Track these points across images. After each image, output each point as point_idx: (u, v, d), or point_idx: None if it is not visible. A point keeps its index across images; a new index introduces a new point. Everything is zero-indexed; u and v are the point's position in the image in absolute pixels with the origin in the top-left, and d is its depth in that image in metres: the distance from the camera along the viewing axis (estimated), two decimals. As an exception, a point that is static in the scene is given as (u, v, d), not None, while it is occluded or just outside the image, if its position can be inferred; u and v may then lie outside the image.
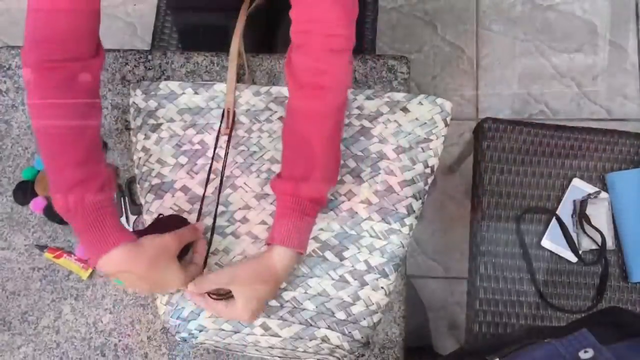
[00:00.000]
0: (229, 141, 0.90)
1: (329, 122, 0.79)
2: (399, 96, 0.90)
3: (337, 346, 0.82)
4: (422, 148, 0.87)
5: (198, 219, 0.88)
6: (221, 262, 0.87)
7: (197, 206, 0.89)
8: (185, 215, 0.89)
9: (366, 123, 0.89)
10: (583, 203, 1.19)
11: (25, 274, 0.98)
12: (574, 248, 1.19)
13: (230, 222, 0.88)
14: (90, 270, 0.96)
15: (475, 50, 1.88)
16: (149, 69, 1.03)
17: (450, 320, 1.72)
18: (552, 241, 1.20)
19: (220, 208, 0.88)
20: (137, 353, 0.95)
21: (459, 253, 1.75)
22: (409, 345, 0.98)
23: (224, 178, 0.89)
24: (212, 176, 0.90)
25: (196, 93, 0.93)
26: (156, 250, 0.76)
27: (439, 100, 0.89)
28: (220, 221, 0.88)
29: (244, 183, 0.89)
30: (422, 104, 0.88)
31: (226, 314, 0.79)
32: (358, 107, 0.90)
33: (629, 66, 1.85)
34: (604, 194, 1.21)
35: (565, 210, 1.21)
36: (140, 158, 0.92)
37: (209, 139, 0.91)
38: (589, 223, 1.18)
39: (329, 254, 0.85)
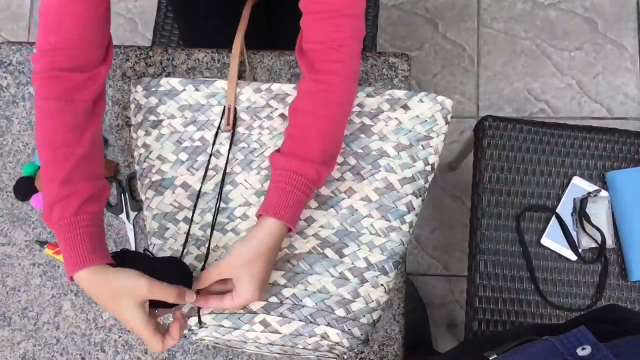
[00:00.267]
0: (232, 138, 0.91)
1: (336, 108, 0.81)
2: (400, 94, 0.90)
3: (337, 343, 0.82)
4: (422, 146, 0.87)
5: (192, 215, 0.88)
6: (221, 259, 0.87)
7: (197, 202, 0.89)
8: (185, 212, 0.89)
9: (367, 120, 0.89)
10: (583, 201, 1.19)
11: (26, 270, 0.98)
12: (573, 246, 1.19)
13: (231, 219, 0.88)
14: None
15: (476, 48, 1.88)
16: (150, 65, 1.03)
17: (450, 317, 1.72)
18: (551, 239, 1.20)
19: (221, 205, 0.89)
20: (136, 349, 0.96)
21: (459, 251, 1.75)
22: (408, 343, 0.98)
23: (226, 175, 0.89)
24: (212, 173, 0.90)
25: (197, 90, 0.94)
26: (120, 288, 0.73)
27: (440, 98, 0.89)
28: (221, 218, 0.88)
29: (244, 180, 0.89)
30: (422, 102, 0.88)
31: (236, 303, 0.78)
32: (359, 105, 0.90)
33: (629, 65, 1.85)
34: (604, 193, 1.21)
35: (565, 208, 1.21)
36: (140, 154, 0.93)
37: (210, 135, 0.92)
38: (589, 221, 1.18)
39: (329, 251, 0.85)
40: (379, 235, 0.85)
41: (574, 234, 1.20)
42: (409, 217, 0.86)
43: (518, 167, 1.23)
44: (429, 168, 0.88)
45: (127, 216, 0.98)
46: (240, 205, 0.89)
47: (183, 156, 0.91)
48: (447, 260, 1.76)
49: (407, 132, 0.88)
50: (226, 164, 0.89)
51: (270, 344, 0.83)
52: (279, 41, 1.18)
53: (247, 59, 1.00)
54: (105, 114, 1.01)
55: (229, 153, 0.90)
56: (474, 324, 1.18)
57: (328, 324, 0.82)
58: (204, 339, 0.86)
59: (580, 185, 1.21)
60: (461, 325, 1.54)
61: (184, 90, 0.94)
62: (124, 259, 0.77)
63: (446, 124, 0.89)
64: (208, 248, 0.86)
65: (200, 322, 0.83)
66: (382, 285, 0.84)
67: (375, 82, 1.00)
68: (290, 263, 0.85)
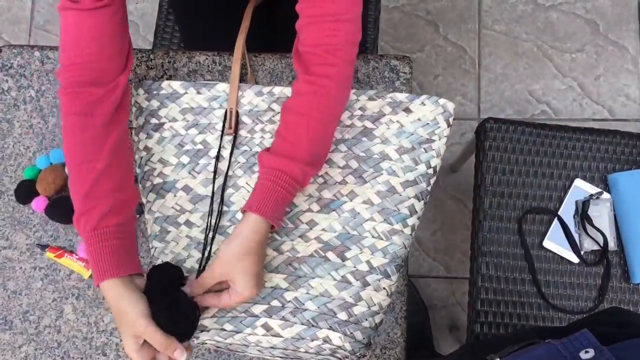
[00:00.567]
0: (234, 141, 0.91)
1: (327, 110, 0.82)
2: (402, 97, 0.89)
3: (339, 347, 0.82)
4: (424, 149, 0.87)
5: (209, 218, 0.88)
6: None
7: (198, 206, 0.89)
8: (186, 215, 0.89)
9: (368, 124, 0.89)
10: (585, 204, 1.19)
11: (27, 273, 0.98)
12: (575, 249, 1.19)
13: (232, 222, 0.88)
14: (91, 270, 0.96)
15: (477, 50, 1.88)
16: (151, 68, 1.03)
17: (452, 320, 1.72)
18: (553, 242, 1.20)
19: (223, 208, 0.88)
20: (138, 352, 0.95)
21: (461, 253, 1.75)
22: (410, 345, 0.98)
23: (228, 178, 0.89)
24: (215, 175, 0.90)
25: (198, 93, 0.93)
26: (124, 313, 0.76)
27: (442, 101, 0.88)
28: (223, 221, 0.88)
29: (246, 183, 0.89)
30: (424, 105, 0.88)
31: (234, 301, 0.78)
32: (360, 108, 0.90)
33: (631, 66, 1.85)
34: (606, 195, 1.21)
35: (567, 210, 1.21)
36: (142, 157, 0.92)
37: (211, 138, 0.91)
38: (591, 224, 1.18)
39: (331, 255, 0.85)
40: (381, 239, 0.84)
41: (576, 236, 1.19)
42: (411, 220, 0.85)
43: (520, 169, 1.23)
44: (431, 171, 0.87)
45: (129, 219, 0.98)
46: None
47: (185, 159, 0.91)
48: (448, 263, 1.76)
49: (409, 135, 0.88)
50: (228, 167, 0.89)
51: (272, 347, 0.83)
52: (280, 44, 1.17)
53: (248, 61, 1.00)
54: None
55: (230, 156, 0.90)
56: (476, 327, 1.18)
57: (330, 328, 0.82)
58: (206, 343, 0.85)
59: (582, 187, 1.21)
60: (463, 327, 1.54)
61: (186, 93, 0.93)
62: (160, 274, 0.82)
63: (448, 126, 0.89)
64: (210, 251, 0.86)
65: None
66: (384, 288, 0.84)
67: (377, 85, 1.00)
68: (292, 266, 0.85)
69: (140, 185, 0.93)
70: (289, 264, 0.85)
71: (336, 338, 0.82)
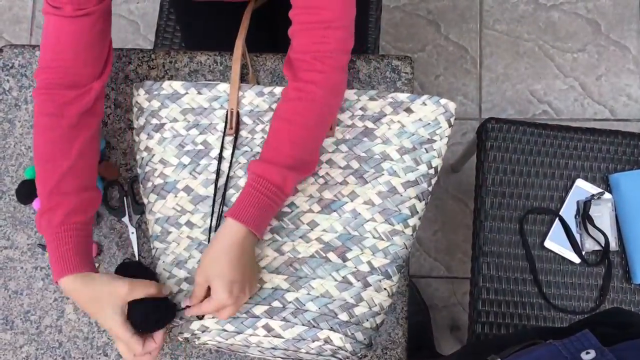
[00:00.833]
0: (235, 142, 0.91)
1: (311, 116, 0.82)
2: (403, 97, 0.89)
3: (340, 347, 0.82)
4: (425, 149, 0.87)
5: (210, 218, 0.89)
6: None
7: (199, 206, 0.89)
8: (187, 216, 0.89)
9: (369, 124, 0.89)
10: (586, 204, 1.19)
11: (28, 273, 0.98)
12: (577, 249, 1.19)
13: (233, 223, 0.88)
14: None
15: (479, 50, 1.88)
16: (153, 68, 1.03)
17: (453, 320, 1.72)
18: (555, 242, 1.19)
19: (224, 209, 0.88)
20: (139, 352, 0.95)
21: (462, 253, 1.75)
22: (411, 345, 0.98)
23: (229, 179, 0.89)
24: (215, 176, 0.90)
25: (199, 93, 0.93)
26: (100, 291, 0.80)
27: (443, 101, 0.88)
28: (223, 221, 0.88)
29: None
30: (425, 105, 0.88)
31: (211, 306, 0.79)
32: (361, 108, 0.90)
33: (632, 66, 1.85)
34: (607, 195, 1.21)
35: (568, 211, 1.21)
36: (143, 158, 0.92)
37: (212, 139, 0.91)
38: (592, 224, 1.18)
39: (332, 255, 0.85)
40: (382, 239, 0.84)
41: (577, 236, 1.19)
42: (412, 221, 0.85)
43: (521, 169, 1.23)
44: (432, 171, 0.87)
45: (130, 219, 0.98)
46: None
47: (185, 160, 0.91)
48: (449, 263, 1.76)
49: (410, 135, 0.87)
50: (229, 167, 0.89)
51: (273, 348, 0.83)
52: (282, 45, 1.17)
53: (249, 61, 1.00)
54: (107, 116, 1.01)
55: (232, 157, 0.90)
56: (477, 327, 1.18)
57: (331, 329, 0.82)
58: (207, 343, 0.86)
59: (583, 187, 1.21)
60: (464, 327, 1.54)
61: (186, 93, 0.93)
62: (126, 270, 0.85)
63: (449, 126, 0.89)
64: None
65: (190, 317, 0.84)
66: (385, 289, 0.84)
67: (379, 85, 1.00)
68: (293, 267, 0.85)
69: (141, 186, 0.93)
70: (289, 265, 0.85)
71: (337, 339, 0.82)
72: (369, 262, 0.84)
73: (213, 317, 0.84)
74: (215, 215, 0.88)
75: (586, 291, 1.19)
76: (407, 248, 0.86)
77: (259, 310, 0.83)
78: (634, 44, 1.86)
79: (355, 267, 0.84)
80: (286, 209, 0.87)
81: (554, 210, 1.21)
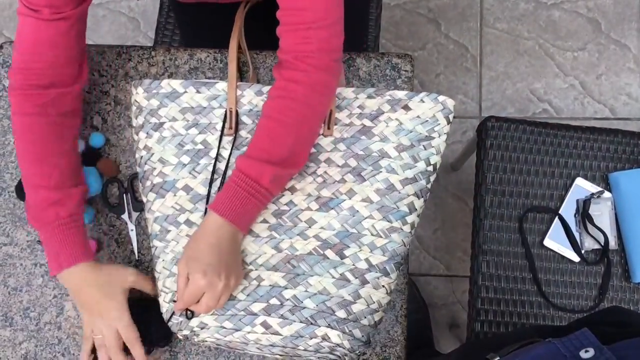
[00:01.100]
0: (234, 142, 0.90)
1: (291, 114, 0.83)
2: (401, 94, 0.89)
3: (338, 344, 0.82)
4: (423, 146, 0.87)
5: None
6: None
7: (198, 205, 0.89)
8: (186, 215, 0.89)
9: (367, 122, 0.89)
10: (586, 202, 1.19)
11: (28, 270, 0.98)
12: (576, 248, 1.19)
13: (232, 220, 0.88)
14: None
15: (479, 48, 1.88)
16: (152, 65, 1.03)
17: (452, 318, 1.72)
18: (554, 240, 1.19)
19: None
20: (138, 350, 0.95)
21: (461, 252, 1.75)
22: (410, 344, 0.98)
23: (226, 178, 0.89)
24: (214, 176, 0.90)
25: (198, 92, 0.93)
26: (109, 276, 0.87)
27: (441, 98, 0.88)
28: None
29: (246, 181, 0.89)
30: (423, 102, 0.88)
31: (188, 291, 0.80)
32: (359, 106, 0.90)
33: (632, 65, 1.84)
34: (607, 194, 1.21)
35: (568, 209, 1.21)
36: (142, 157, 0.92)
37: (212, 139, 0.91)
38: (592, 223, 1.18)
39: (329, 253, 0.85)
40: (380, 237, 0.84)
41: (576, 235, 1.19)
42: (411, 218, 0.85)
43: (521, 167, 1.23)
44: (430, 168, 0.87)
45: (130, 216, 0.98)
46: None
47: (185, 159, 0.91)
48: (449, 261, 1.76)
49: (408, 132, 0.87)
50: (226, 167, 0.89)
51: (271, 345, 0.83)
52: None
53: (249, 59, 1.00)
54: (107, 113, 1.01)
55: (229, 157, 0.90)
56: (476, 325, 1.18)
57: (329, 326, 0.82)
58: (206, 341, 0.86)
59: (583, 186, 1.21)
60: (463, 326, 1.54)
61: (185, 92, 0.93)
62: None
63: (448, 123, 0.89)
64: None
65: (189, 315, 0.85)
66: (383, 286, 0.84)
67: (379, 83, 1.00)
68: (290, 264, 0.85)
69: (140, 184, 0.93)
70: (287, 262, 0.85)
71: (335, 336, 0.82)
72: (366, 260, 0.84)
73: (212, 314, 0.84)
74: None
75: (585, 290, 1.19)
76: (405, 245, 0.86)
77: (256, 307, 0.83)
78: (635, 43, 1.86)
79: (353, 265, 0.84)
80: (284, 207, 0.87)
81: (554, 209, 1.21)
